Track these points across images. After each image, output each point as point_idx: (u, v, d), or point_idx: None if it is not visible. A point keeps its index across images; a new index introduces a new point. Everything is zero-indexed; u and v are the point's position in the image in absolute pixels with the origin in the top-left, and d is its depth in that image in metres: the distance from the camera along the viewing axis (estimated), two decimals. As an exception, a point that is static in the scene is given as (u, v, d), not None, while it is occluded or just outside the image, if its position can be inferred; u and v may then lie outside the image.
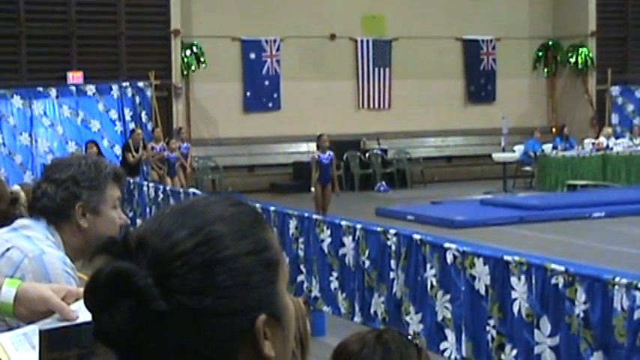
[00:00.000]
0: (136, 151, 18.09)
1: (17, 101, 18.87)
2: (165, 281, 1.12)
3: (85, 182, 2.81)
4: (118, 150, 18.93)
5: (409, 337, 2.25)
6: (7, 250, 2.67)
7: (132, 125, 19.54)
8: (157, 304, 1.10)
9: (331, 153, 15.18)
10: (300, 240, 9.81)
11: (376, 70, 23.69)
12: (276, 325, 1.17)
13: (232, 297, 1.13)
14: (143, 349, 1.13)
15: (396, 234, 8.40)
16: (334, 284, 9.41)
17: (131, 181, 15.73)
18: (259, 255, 1.17)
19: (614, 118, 24.51)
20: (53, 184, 2.82)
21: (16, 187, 3.49)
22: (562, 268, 6.44)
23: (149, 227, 1.18)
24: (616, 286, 5.99)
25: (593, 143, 21.50)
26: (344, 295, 9.28)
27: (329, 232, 9.44)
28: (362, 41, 23.57)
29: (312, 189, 14.95)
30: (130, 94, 19.95)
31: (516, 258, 6.89)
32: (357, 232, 9.02)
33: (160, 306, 1.10)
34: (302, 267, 9.72)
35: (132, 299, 1.10)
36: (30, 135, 18.93)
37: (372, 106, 23.74)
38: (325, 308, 9.36)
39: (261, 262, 1.17)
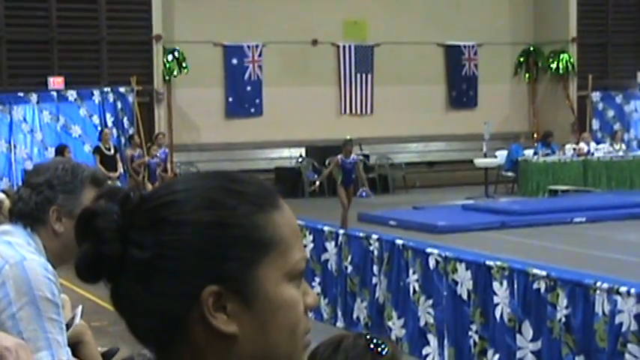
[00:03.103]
0: (108, 150, 18.05)
1: (-3, 107, 18.80)
2: (127, 231, 1.17)
3: (60, 186, 2.78)
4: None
5: (377, 346, 2.22)
6: (-12, 256, 2.65)
7: (115, 132, 19.49)
8: (109, 247, 1.16)
9: (355, 156, 15.58)
10: (283, 245, 9.79)
11: (358, 75, 23.71)
12: (242, 303, 1.16)
13: (176, 258, 1.15)
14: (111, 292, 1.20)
15: (378, 239, 8.41)
16: (317, 289, 9.41)
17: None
18: (228, 229, 1.16)
19: (595, 124, 24.62)
20: (29, 188, 2.81)
21: (0, 195, 3.48)
22: (544, 273, 6.46)
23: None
24: (597, 291, 6.02)
25: (574, 149, 21.59)
26: (326, 300, 9.28)
27: (311, 237, 9.44)
28: (344, 47, 23.58)
29: (338, 191, 15.45)
30: (111, 100, 19.88)
31: (498, 263, 6.91)
32: (340, 238, 9.02)
33: (111, 249, 1.16)
34: (284, 272, 9.70)
35: (92, 240, 1.17)
36: (8, 142, 18.84)
37: (353, 111, 23.76)
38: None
39: (232, 237, 1.16)
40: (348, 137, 15.99)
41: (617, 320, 5.88)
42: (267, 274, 1.17)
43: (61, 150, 16.68)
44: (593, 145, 22.01)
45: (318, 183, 15.52)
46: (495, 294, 6.81)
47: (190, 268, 1.15)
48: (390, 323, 8.12)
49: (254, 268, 1.17)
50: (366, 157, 22.90)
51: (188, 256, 1.15)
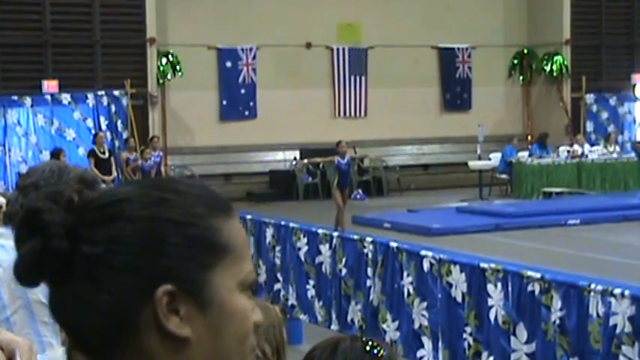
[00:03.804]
0: (102, 153, 18.05)
1: (-9, 111, 18.78)
2: (75, 228, 1.13)
3: (45, 188, 2.78)
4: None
5: (373, 348, 2.23)
6: (-19, 259, 2.65)
7: (109, 135, 19.47)
8: (57, 242, 1.12)
9: (349, 157, 15.82)
10: (277, 248, 9.80)
11: (352, 78, 23.72)
12: (196, 307, 1.13)
13: (129, 254, 1.11)
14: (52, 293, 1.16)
15: (372, 242, 8.41)
16: (311, 292, 9.41)
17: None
18: (184, 227, 1.14)
19: (589, 126, 24.66)
20: (17, 190, 2.81)
21: (0, 200, 3.49)
22: (538, 275, 6.47)
23: None
24: (591, 293, 6.02)
25: (568, 151, 21.62)
26: (321, 303, 9.27)
27: (306, 240, 9.43)
28: (338, 49, 23.60)
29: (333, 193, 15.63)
30: (105, 103, 19.85)
31: (492, 265, 6.91)
32: (334, 240, 9.02)
33: (59, 244, 1.12)
34: (279, 275, 9.70)
35: (38, 236, 1.12)
36: (2, 145, 18.83)
37: (348, 114, 23.77)
38: (302, 316, 9.35)
39: (187, 236, 1.14)
40: (339, 140, 16.16)
41: (611, 322, 5.89)
42: (222, 280, 1.15)
43: (56, 154, 16.66)
44: (587, 147, 22.06)
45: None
46: (490, 296, 6.81)
47: (143, 264, 1.12)
48: (384, 326, 8.11)
49: (209, 272, 1.14)
50: (361, 159, 22.92)
51: (141, 251, 1.12)
